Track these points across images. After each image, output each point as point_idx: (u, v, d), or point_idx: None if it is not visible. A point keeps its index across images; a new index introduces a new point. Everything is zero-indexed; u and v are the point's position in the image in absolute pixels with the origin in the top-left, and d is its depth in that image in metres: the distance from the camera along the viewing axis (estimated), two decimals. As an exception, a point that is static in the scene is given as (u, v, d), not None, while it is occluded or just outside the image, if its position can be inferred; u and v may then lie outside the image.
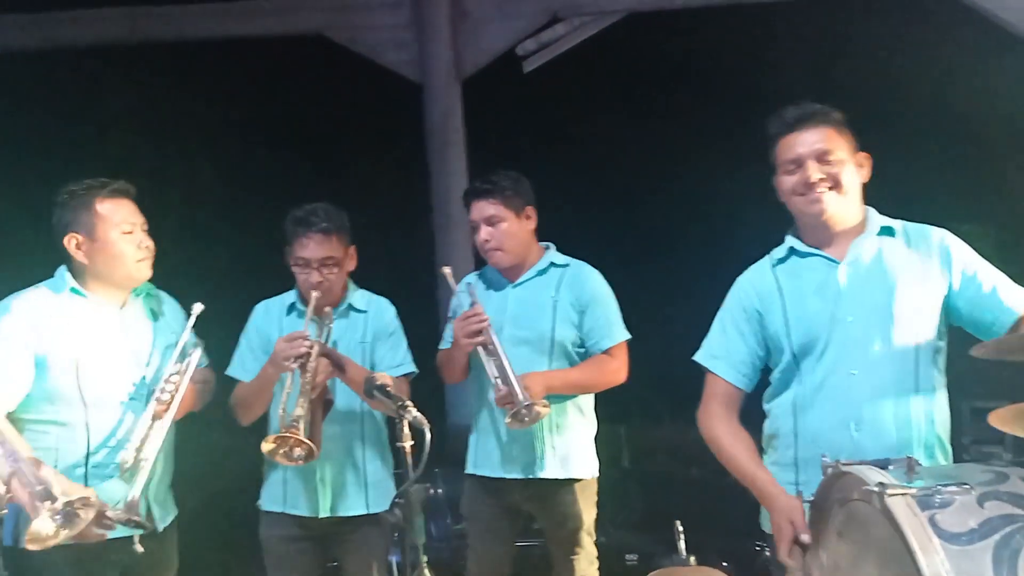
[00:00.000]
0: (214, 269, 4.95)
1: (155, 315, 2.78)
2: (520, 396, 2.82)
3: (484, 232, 3.08)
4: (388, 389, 2.34)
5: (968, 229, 2.51)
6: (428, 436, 2.16)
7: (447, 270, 3.20)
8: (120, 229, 2.62)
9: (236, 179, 5.83)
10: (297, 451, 2.60)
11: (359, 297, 3.05)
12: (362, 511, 2.95)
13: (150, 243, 2.70)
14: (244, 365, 2.97)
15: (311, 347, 2.72)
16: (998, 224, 4.63)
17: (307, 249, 2.87)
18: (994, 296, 2.27)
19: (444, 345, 3.23)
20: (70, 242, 2.61)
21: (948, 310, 2.30)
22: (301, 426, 2.57)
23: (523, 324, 3.05)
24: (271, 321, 3.01)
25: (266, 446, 2.62)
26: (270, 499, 2.99)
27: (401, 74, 5.40)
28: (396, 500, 2.18)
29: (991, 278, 2.29)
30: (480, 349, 2.97)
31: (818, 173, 2.28)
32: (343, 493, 2.93)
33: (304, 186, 5.19)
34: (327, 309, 2.91)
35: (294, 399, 2.68)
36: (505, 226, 3.07)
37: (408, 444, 2.20)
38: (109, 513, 2.37)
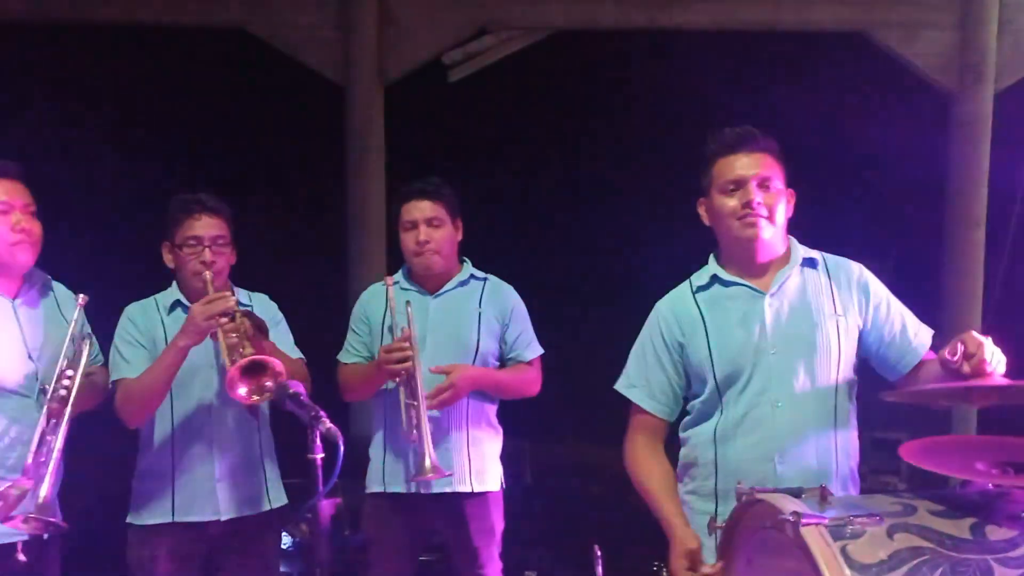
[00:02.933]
0: (111, 264, 4.74)
1: (50, 307, 2.65)
2: (428, 463, 2.83)
3: (424, 233, 3.01)
4: (302, 398, 2.26)
5: (868, 264, 2.58)
6: (341, 449, 2.09)
7: (390, 280, 3.11)
8: None
9: (143, 169, 5.60)
10: (268, 382, 2.48)
11: (240, 293, 3.00)
12: (260, 510, 2.89)
13: (31, 226, 2.54)
14: (130, 363, 2.81)
15: (236, 301, 2.66)
16: (902, 260, 4.80)
17: (197, 227, 2.82)
18: (903, 335, 2.33)
19: (349, 358, 3.15)
20: None
21: (860, 344, 2.35)
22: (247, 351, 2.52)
23: (448, 334, 3.03)
24: (152, 321, 2.89)
25: (236, 383, 2.48)
26: (153, 512, 2.83)
27: (323, 75, 5.30)
28: (305, 515, 2.10)
29: (900, 316, 2.34)
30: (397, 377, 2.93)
31: (759, 197, 2.26)
32: (242, 491, 2.86)
33: (217, 182, 5.02)
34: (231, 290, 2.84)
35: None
36: (444, 230, 3.04)
37: (319, 456, 2.13)
38: (12, 522, 2.24)
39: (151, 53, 5.45)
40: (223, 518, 2.82)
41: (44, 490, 2.36)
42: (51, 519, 2.37)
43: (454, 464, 3.02)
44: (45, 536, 2.51)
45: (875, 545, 1.75)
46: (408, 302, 3.03)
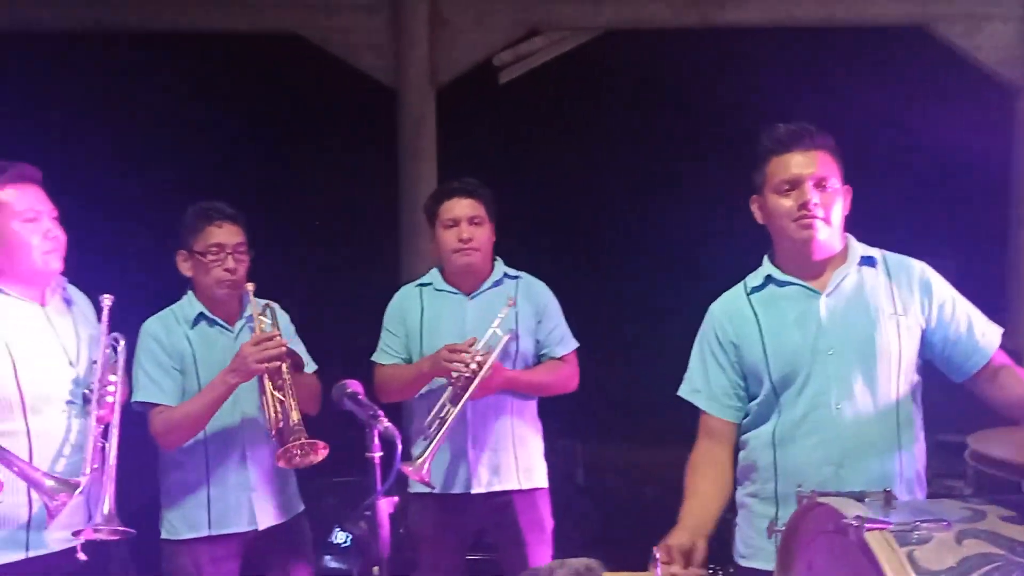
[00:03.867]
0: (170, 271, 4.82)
1: (77, 310, 2.64)
2: (425, 467, 2.86)
3: (466, 231, 3.01)
4: (360, 397, 2.27)
5: (931, 261, 2.51)
6: (400, 448, 2.10)
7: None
8: (22, 217, 2.44)
9: (199, 176, 5.70)
10: (312, 457, 2.57)
11: (256, 302, 2.96)
12: (293, 514, 2.92)
13: (59, 233, 2.52)
14: (163, 389, 2.78)
15: (284, 345, 2.67)
16: (964, 259, 4.68)
17: (220, 235, 2.82)
18: (970, 334, 2.25)
19: (387, 359, 3.15)
20: None
21: (923, 344, 2.28)
22: (303, 428, 2.57)
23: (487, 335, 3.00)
24: (176, 336, 2.85)
25: (281, 456, 2.58)
26: (189, 526, 2.82)
27: (375, 78, 5.34)
28: (364, 513, 2.11)
29: (967, 315, 2.27)
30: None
31: (815, 198, 2.20)
32: (276, 499, 2.87)
33: (272, 186, 5.10)
34: (257, 311, 2.84)
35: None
36: (485, 229, 3.06)
37: (377, 455, 2.13)
38: (85, 532, 2.29)
39: (207, 61, 5.55)
40: (260, 528, 2.83)
41: (107, 502, 2.36)
42: (119, 527, 2.36)
43: (501, 464, 3.03)
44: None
45: (943, 551, 1.69)
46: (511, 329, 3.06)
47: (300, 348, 2.99)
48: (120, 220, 5.42)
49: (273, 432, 2.66)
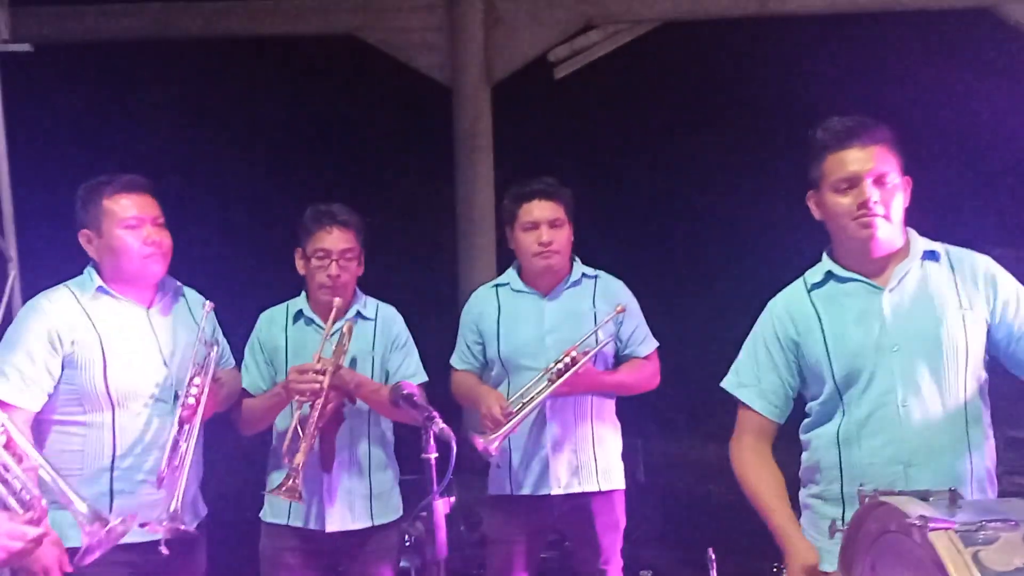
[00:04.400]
0: (243, 269, 4.93)
1: (182, 314, 2.74)
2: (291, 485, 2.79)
3: (547, 234, 2.99)
4: (415, 399, 2.29)
5: (1001, 253, 2.43)
6: (454, 449, 2.11)
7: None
8: (123, 224, 2.56)
9: (264, 177, 5.82)
10: (297, 497, 2.64)
11: (367, 304, 3.01)
12: (367, 524, 2.90)
13: (161, 238, 2.61)
14: (250, 375, 2.91)
15: (323, 385, 2.69)
16: None
17: (328, 240, 2.86)
18: None
19: (461, 364, 3.15)
20: (83, 238, 2.59)
21: (989, 340, 2.22)
22: (300, 475, 2.62)
23: (566, 335, 2.99)
24: (276, 330, 2.96)
25: (273, 492, 2.66)
26: (273, 511, 2.91)
27: (432, 77, 5.38)
28: (419, 513, 2.14)
29: None
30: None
31: (875, 196, 2.13)
32: (350, 506, 2.88)
33: (331, 186, 5.17)
34: (346, 327, 2.87)
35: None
36: (565, 231, 3.03)
37: (433, 456, 2.15)
38: (151, 527, 2.36)
39: (266, 64, 5.65)
40: (328, 530, 2.86)
41: (176, 501, 2.44)
42: (180, 526, 2.44)
43: (581, 465, 3.02)
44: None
45: (1010, 552, 1.65)
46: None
47: (410, 360, 3.00)
48: (184, 216, 5.57)
49: (285, 457, 2.70)
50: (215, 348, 2.72)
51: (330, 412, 2.73)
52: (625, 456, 3.19)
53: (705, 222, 6.09)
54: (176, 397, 2.59)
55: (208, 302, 2.77)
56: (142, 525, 2.39)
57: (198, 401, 2.57)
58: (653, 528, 5.04)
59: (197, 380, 2.59)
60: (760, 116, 5.57)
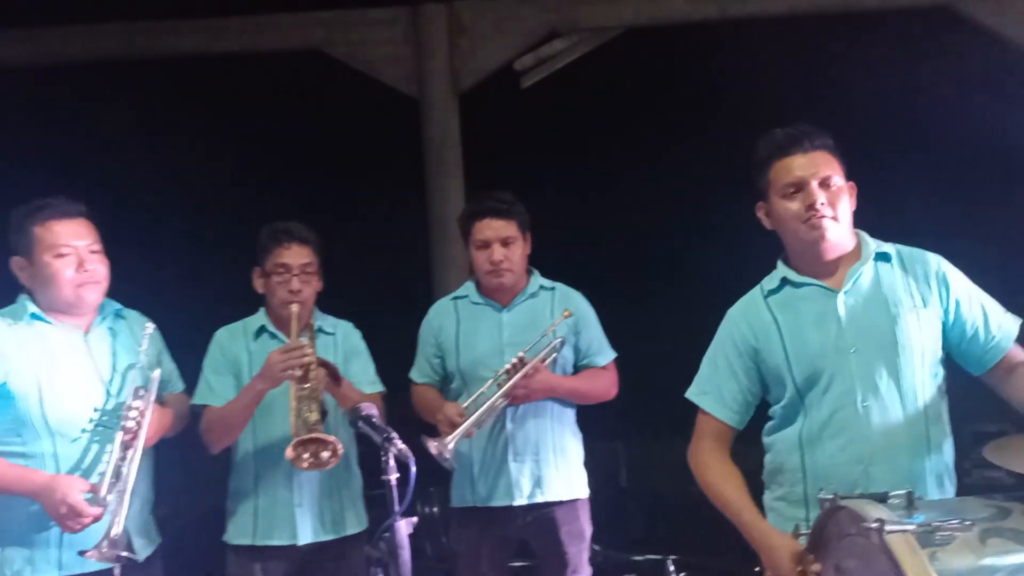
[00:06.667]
0: (209, 287, 4.90)
1: (122, 337, 2.68)
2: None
3: (498, 252, 3.02)
4: (374, 420, 2.29)
5: (963, 244, 2.46)
6: (413, 470, 2.11)
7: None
8: (54, 252, 2.50)
9: (233, 196, 5.78)
10: (324, 453, 2.61)
11: (326, 320, 3.06)
12: (339, 534, 2.92)
13: (98, 266, 2.56)
14: (213, 390, 2.91)
15: (313, 355, 2.71)
16: (989, 241, 4.60)
17: (287, 255, 2.90)
18: (986, 328, 2.22)
19: (421, 378, 3.17)
20: (15, 265, 2.54)
21: (943, 338, 2.25)
22: (322, 427, 2.61)
23: (524, 347, 3.01)
24: (238, 346, 2.97)
25: (290, 452, 2.61)
26: (238, 531, 2.91)
27: (398, 89, 5.37)
28: (382, 535, 2.13)
29: (981, 308, 2.24)
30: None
31: (822, 198, 2.19)
32: (319, 516, 2.89)
33: (300, 202, 5.16)
34: (308, 336, 2.88)
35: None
36: (517, 247, 3.05)
37: (393, 477, 2.15)
38: (90, 554, 2.32)
39: (231, 82, 5.62)
40: (299, 543, 2.87)
41: (117, 526, 2.38)
42: (122, 552, 2.38)
43: (543, 474, 3.03)
44: (140, 559, 2.57)
45: (967, 552, 1.68)
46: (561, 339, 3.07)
47: (367, 370, 3.05)
48: (154, 235, 5.55)
49: (295, 440, 2.68)
50: (158, 370, 2.66)
51: (321, 393, 2.74)
52: (606, 461, 3.21)
53: (680, 225, 6.11)
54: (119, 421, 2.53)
55: (150, 323, 2.72)
56: (81, 553, 2.35)
57: (139, 424, 2.52)
58: (636, 531, 5.05)
59: (137, 403, 2.54)
60: (724, 121, 5.60)
